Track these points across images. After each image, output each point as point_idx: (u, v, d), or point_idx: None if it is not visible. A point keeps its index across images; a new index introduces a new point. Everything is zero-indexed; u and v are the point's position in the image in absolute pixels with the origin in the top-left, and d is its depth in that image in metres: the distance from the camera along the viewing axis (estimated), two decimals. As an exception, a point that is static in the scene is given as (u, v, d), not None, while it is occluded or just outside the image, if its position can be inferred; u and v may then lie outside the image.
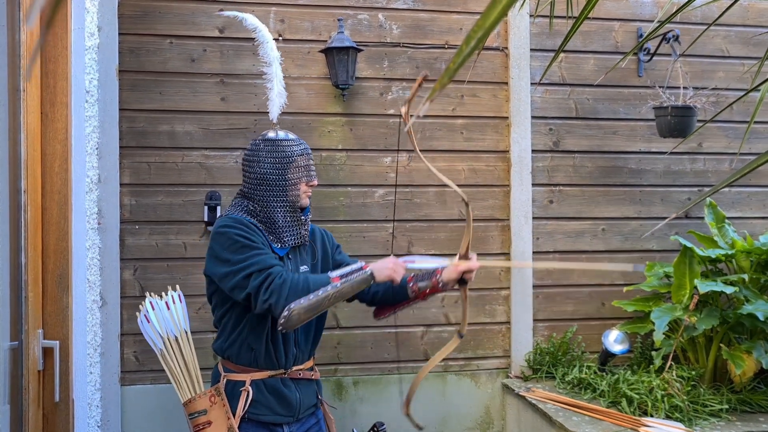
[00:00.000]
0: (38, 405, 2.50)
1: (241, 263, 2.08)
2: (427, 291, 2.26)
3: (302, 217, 2.25)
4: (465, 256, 2.21)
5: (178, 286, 2.42)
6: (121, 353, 2.99)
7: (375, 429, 2.34)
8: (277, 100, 2.32)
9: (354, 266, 2.15)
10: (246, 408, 2.14)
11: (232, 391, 2.17)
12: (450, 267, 2.21)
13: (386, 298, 2.34)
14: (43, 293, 2.55)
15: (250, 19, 2.34)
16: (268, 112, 2.37)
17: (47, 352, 2.50)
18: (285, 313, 1.99)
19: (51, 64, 2.61)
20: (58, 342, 2.52)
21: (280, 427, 2.20)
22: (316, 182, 2.27)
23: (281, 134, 2.25)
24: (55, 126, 2.59)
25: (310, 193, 2.27)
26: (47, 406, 2.54)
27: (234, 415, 2.13)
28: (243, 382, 2.16)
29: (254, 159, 2.22)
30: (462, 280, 2.24)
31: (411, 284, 2.28)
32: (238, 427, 2.13)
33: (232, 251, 2.10)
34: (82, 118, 2.79)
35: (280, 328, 2.01)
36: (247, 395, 2.14)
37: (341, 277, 2.09)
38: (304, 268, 2.26)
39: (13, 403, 2.33)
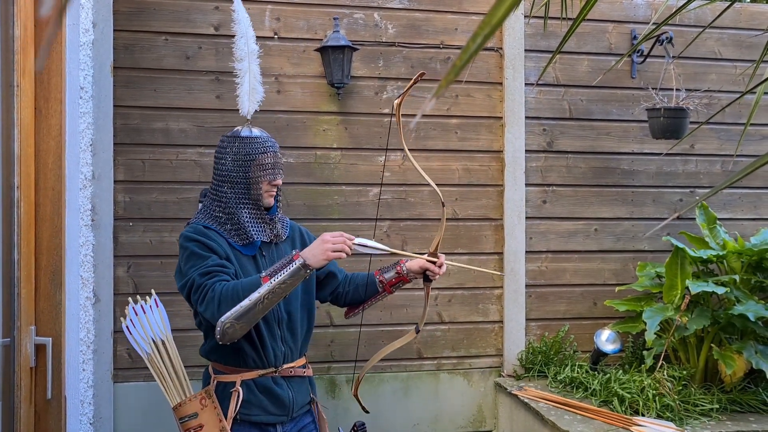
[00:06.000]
0: (30, 402, 2.49)
1: (187, 277, 2.05)
2: (393, 281, 2.26)
3: (266, 216, 2.19)
4: (434, 254, 2.24)
5: (153, 291, 2.34)
6: (113, 350, 2.98)
7: (355, 429, 2.31)
8: (248, 96, 2.22)
9: (284, 259, 2.02)
10: (237, 409, 2.10)
11: (223, 393, 2.14)
12: (414, 258, 2.24)
13: (356, 297, 2.33)
14: (36, 290, 2.54)
15: (237, 5, 2.23)
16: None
17: (40, 349, 2.50)
18: (218, 328, 1.97)
19: (45, 60, 2.60)
20: (50, 339, 2.51)
21: (273, 427, 2.17)
22: (280, 181, 2.19)
23: (247, 131, 2.18)
24: (48, 122, 2.58)
25: (273, 193, 2.20)
26: (39, 403, 2.53)
27: (225, 417, 2.09)
28: (233, 383, 2.13)
29: (220, 156, 2.18)
30: (426, 277, 2.25)
31: (378, 276, 2.29)
32: (231, 429, 2.10)
33: (185, 263, 2.09)
34: (76, 115, 2.78)
35: (220, 342, 1.99)
36: (238, 396, 2.10)
37: (270, 275, 1.97)
38: None
39: (5, 400, 2.32)
